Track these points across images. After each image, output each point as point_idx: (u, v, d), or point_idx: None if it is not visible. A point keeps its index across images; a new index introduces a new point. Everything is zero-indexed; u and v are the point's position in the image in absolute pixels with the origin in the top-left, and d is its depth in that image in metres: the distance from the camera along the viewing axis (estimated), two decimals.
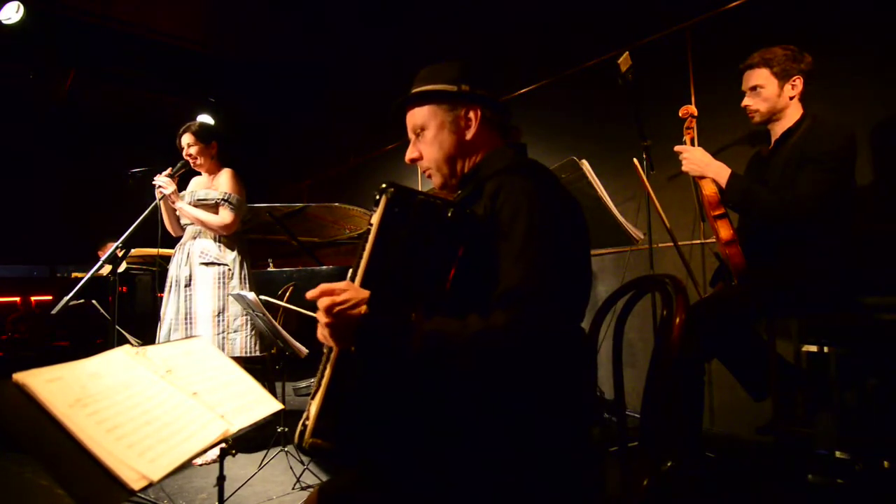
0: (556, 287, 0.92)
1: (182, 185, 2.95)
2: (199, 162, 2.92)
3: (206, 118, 6.26)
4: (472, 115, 1.13)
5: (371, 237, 0.95)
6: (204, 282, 2.81)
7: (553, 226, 0.96)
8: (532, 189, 0.98)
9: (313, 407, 0.93)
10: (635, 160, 2.49)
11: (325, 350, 0.98)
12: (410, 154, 1.19)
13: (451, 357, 0.90)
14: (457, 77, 1.14)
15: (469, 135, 1.14)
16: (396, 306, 0.92)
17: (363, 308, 0.90)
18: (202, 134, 2.92)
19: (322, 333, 0.93)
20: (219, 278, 2.83)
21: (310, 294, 0.93)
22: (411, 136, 1.20)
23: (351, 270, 0.97)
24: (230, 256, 2.89)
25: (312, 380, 1.35)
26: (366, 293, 0.91)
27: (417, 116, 1.17)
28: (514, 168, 1.05)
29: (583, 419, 1.05)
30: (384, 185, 0.95)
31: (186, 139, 2.90)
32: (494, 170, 1.06)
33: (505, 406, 0.96)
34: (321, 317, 0.90)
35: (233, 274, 2.87)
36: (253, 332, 2.86)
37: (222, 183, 2.93)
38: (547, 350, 0.90)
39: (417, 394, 0.97)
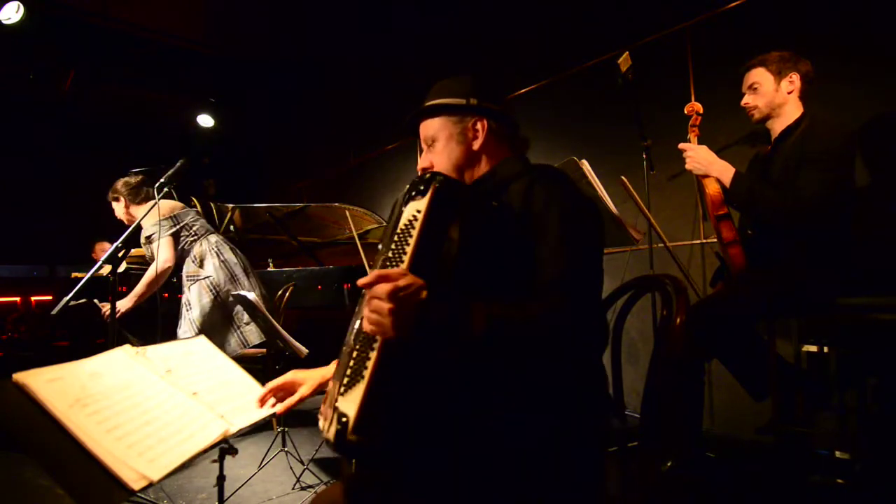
0: (594, 277, 1.03)
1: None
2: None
3: (205, 118, 6.27)
4: (479, 126, 1.19)
5: (419, 224, 0.93)
6: (193, 298, 3.00)
7: (586, 220, 1.06)
8: (563, 188, 1.07)
9: (350, 403, 0.87)
10: (623, 178, 2.47)
11: (353, 344, 0.94)
12: (422, 164, 1.25)
13: (516, 340, 0.93)
14: (466, 91, 1.20)
15: (476, 145, 1.20)
16: (449, 292, 0.90)
17: (424, 293, 0.87)
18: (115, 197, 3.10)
19: (377, 321, 0.86)
20: (200, 290, 3.00)
21: (363, 280, 0.88)
22: (423, 146, 1.26)
23: (380, 262, 0.97)
24: (210, 267, 3.03)
25: None
26: (420, 280, 0.88)
27: (429, 128, 1.24)
28: (540, 169, 1.12)
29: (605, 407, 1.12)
30: (429, 175, 0.97)
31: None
32: (513, 173, 1.14)
33: (553, 391, 1.00)
34: (380, 304, 0.85)
35: (217, 281, 3.00)
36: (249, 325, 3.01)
37: (147, 229, 3.02)
38: (598, 333, 0.99)
39: (466, 380, 0.95)
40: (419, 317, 0.86)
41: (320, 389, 1.29)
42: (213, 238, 3.13)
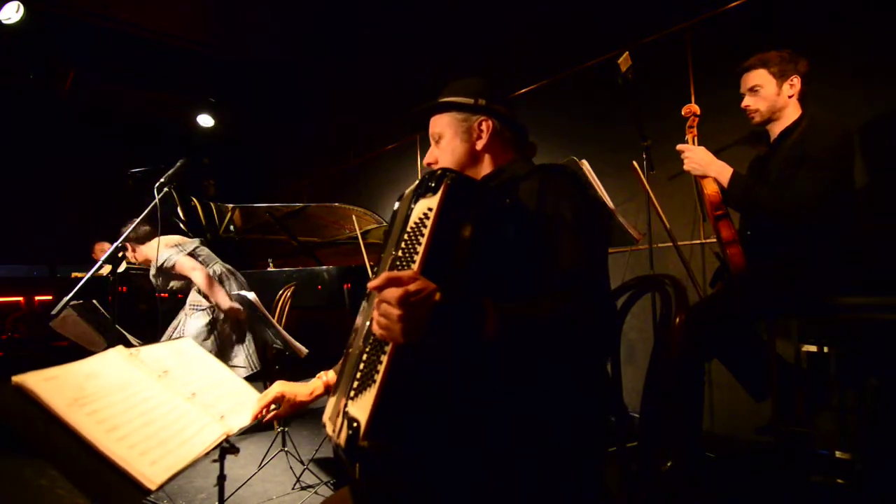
0: (606, 272, 1.04)
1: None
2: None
3: (205, 118, 6.26)
4: (484, 126, 1.21)
5: (431, 223, 0.89)
6: (190, 327, 3.06)
7: (596, 217, 1.09)
8: (575, 186, 1.08)
9: (360, 408, 0.83)
10: (635, 163, 2.48)
11: (363, 346, 0.92)
12: (428, 158, 1.27)
13: (532, 336, 0.91)
14: (477, 91, 1.22)
15: (480, 145, 1.21)
16: (463, 293, 0.87)
17: (437, 296, 0.83)
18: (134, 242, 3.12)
19: (387, 326, 0.82)
20: (200, 319, 3.07)
21: (373, 283, 0.84)
22: (432, 141, 1.28)
23: (388, 262, 0.95)
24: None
25: (313, 381, 1.34)
26: (432, 283, 0.84)
27: (437, 124, 1.26)
28: (550, 168, 1.11)
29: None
30: (440, 171, 0.94)
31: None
32: (523, 172, 1.13)
33: (564, 393, 0.99)
34: (390, 309, 0.81)
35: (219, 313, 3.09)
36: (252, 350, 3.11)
37: (159, 259, 3.05)
38: (611, 321, 1.00)
39: (478, 384, 0.92)
40: (431, 322, 0.82)
41: (314, 400, 1.31)
42: (219, 268, 3.22)
